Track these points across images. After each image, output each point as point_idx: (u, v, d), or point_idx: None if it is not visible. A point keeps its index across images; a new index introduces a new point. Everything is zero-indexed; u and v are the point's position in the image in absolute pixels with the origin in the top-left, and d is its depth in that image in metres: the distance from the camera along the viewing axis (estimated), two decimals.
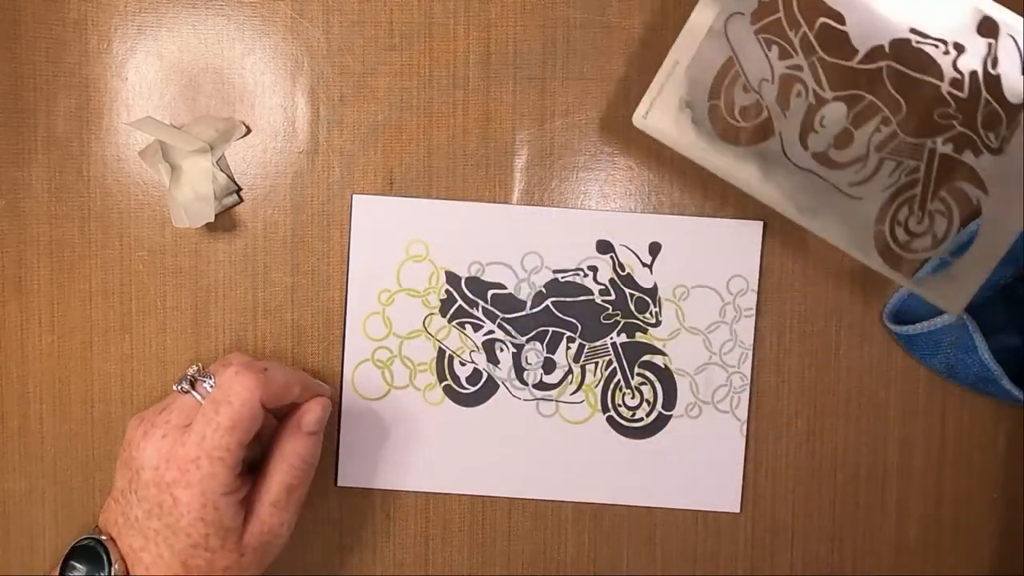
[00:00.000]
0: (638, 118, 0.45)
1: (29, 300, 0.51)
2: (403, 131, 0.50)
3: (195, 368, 0.45)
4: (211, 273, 0.51)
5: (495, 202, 0.50)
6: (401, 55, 0.50)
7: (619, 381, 0.51)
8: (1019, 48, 0.38)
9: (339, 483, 0.51)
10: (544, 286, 0.50)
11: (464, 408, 0.51)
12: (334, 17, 0.50)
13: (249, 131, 0.50)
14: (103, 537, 0.43)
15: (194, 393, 0.44)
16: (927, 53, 0.39)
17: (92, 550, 0.43)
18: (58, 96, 0.50)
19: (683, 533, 0.51)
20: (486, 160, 0.50)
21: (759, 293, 0.50)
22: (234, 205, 0.50)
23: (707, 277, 0.50)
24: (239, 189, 0.50)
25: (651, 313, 0.50)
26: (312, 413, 0.45)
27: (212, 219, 0.48)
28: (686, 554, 0.51)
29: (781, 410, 0.51)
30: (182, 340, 0.51)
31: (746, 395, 0.50)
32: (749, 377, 0.50)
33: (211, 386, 0.44)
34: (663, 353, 0.50)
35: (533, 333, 0.50)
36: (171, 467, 0.41)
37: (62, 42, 0.50)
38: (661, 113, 0.44)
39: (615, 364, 0.50)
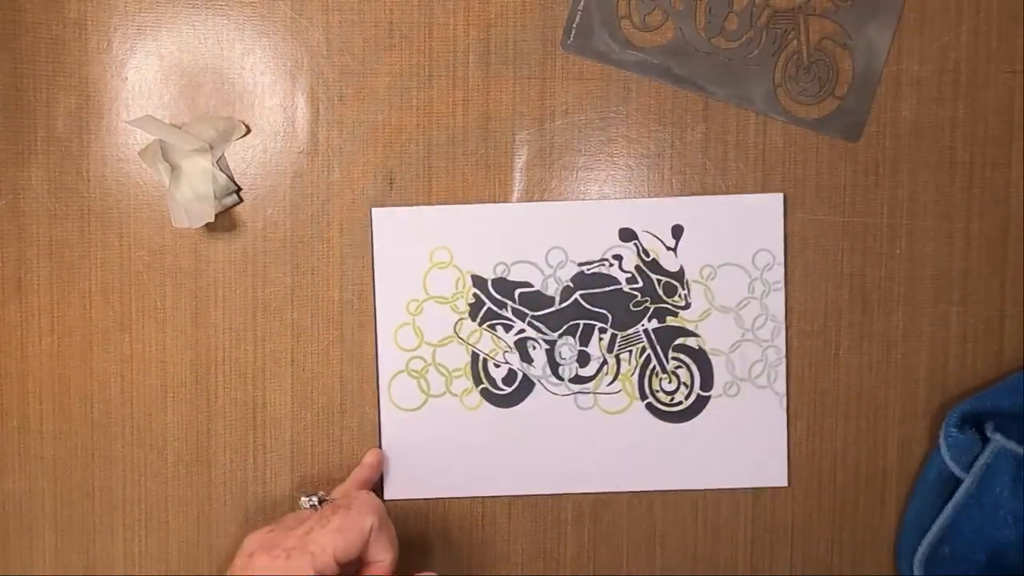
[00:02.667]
0: (563, 44, 0.47)
1: (29, 300, 0.51)
2: (403, 131, 0.50)
3: (315, 496, 0.47)
4: (211, 273, 0.51)
5: (496, 202, 0.50)
6: (401, 55, 0.50)
7: (654, 367, 0.50)
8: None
9: (386, 496, 0.51)
10: (571, 280, 0.50)
11: (502, 409, 0.51)
12: (334, 17, 0.50)
13: (249, 131, 0.50)
14: None
15: (314, 508, 0.46)
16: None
17: None
18: (58, 96, 0.50)
19: (684, 532, 0.51)
20: (486, 160, 0.50)
21: (786, 265, 0.50)
22: (234, 205, 0.50)
23: (732, 255, 0.50)
24: (239, 189, 0.50)
25: (680, 296, 0.50)
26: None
27: (212, 219, 0.48)
28: (686, 554, 0.51)
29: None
30: (182, 340, 0.51)
31: (782, 368, 0.50)
32: (784, 350, 0.50)
33: (322, 499, 0.46)
34: (696, 335, 0.50)
35: (564, 328, 0.50)
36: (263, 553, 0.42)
37: (62, 42, 0.50)
38: (582, 38, 0.48)
39: (649, 350, 0.50)
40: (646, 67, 0.49)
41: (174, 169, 0.49)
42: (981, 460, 0.48)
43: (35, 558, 0.52)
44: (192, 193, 0.48)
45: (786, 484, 0.51)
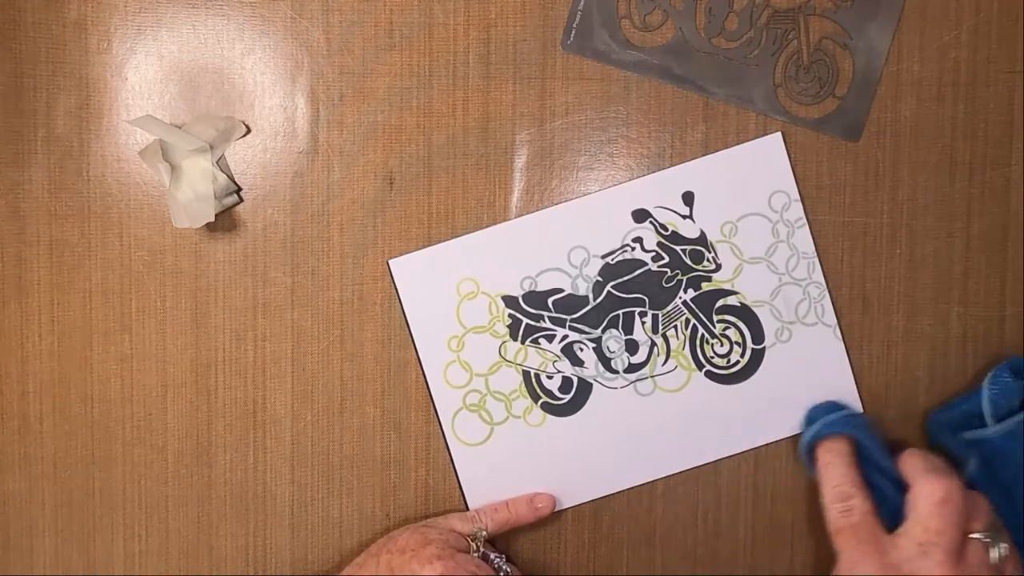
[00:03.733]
0: (563, 44, 0.47)
1: (29, 300, 0.51)
2: (403, 131, 0.50)
3: (484, 533, 0.48)
4: (211, 273, 0.51)
5: (496, 204, 0.50)
6: (401, 55, 0.50)
7: (703, 335, 0.50)
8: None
9: None
10: (599, 274, 0.50)
11: (566, 418, 0.50)
12: (334, 17, 0.50)
13: (249, 131, 0.50)
14: None
15: (501, 574, 0.47)
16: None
17: None
18: (58, 96, 0.50)
19: (684, 533, 0.51)
20: (486, 160, 0.50)
21: (803, 200, 0.50)
22: (234, 205, 0.50)
23: (748, 205, 0.50)
24: (239, 189, 0.50)
25: (709, 260, 0.50)
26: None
27: (212, 219, 0.48)
28: (686, 554, 0.51)
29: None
30: (182, 340, 0.51)
31: (827, 301, 0.50)
32: (824, 283, 0.50)
33: (501, 566, 0.47)
34: (734, 292, 0.50)
35: (605, 322, 0.50)
36: None
37: (62, 42, 0.50)
38: (582, 38, 0.48)
39: (693, 321, 0.50)
40: (646, 67, 0.49)
41: (174, 169, 0.49)
42: (1019, 416, 0.47)
43: (35, 558, 0.52)
44: (192, 193, 0.48)
45: (862, 410, 0.50)
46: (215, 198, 0.48)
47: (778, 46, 0.49)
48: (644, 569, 0.51)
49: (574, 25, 0.49)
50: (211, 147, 0.49)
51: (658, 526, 0.51)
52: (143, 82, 0.50)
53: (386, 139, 0.50)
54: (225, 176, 0.50)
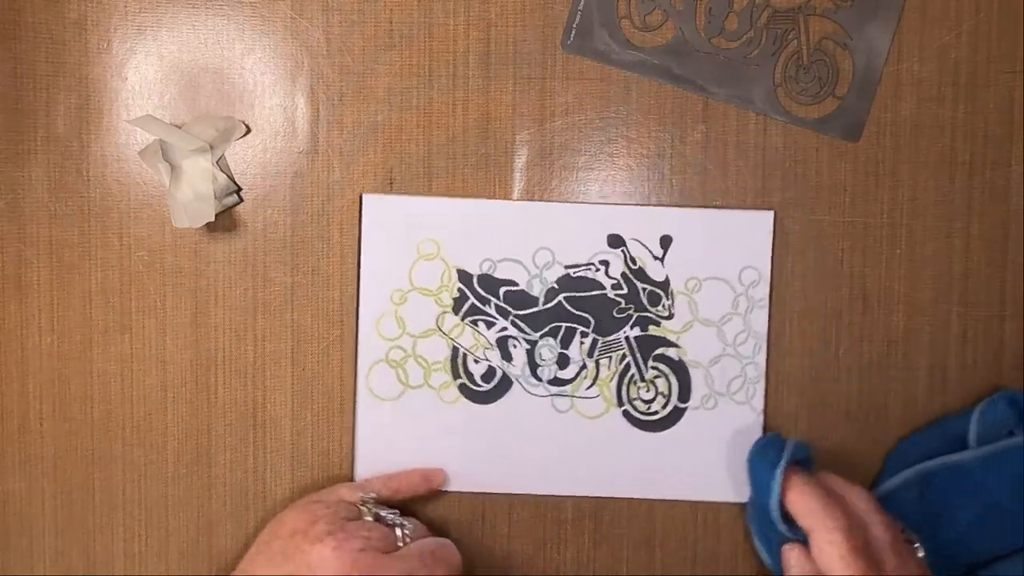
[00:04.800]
0: (563, 44, 0.47)
1: (29, 300, 0.51)
2: (403, 131, 0.50)
3: (372, 496, 0.47)
4: (211, 273, 0.51)
5: (497, 200, 0.50)
6: (401, 55, 0.50)
7: (633, 375, 0.50)
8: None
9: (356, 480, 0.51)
10: (556, 281, 0.50)
11: (479, 406, 0.51)
12: (333, 17, 0.50)
13: (249, 131, 0.50)
14: None
15: (398, 531, 0.45)
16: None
17: None
18: (58, 96, 0.50)
19: (684, 533, 0.51)
20: (486, 160, 0.50)
21: (772, 283, 0.50)
22: (234, 205, 0.50)
23: (719, 269, 0.50)
24: (239, 189, 0.50)
25: (664, 306, 0.50)
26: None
27: (212, 219, 0.48)
28: (686, 554, 0.51)
29: (781, 410, 0.51)
30: (182, 340, 0.51)
31: (761, 386, 0.50)
32: (764, 368, 0.50)
33: (396, 521, 0.46)
34: (677, 346, 0.50)
35: (546, 329, 0.50)
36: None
37: (62, 42, 0.50)
38: (582, 38, 0.48)
39: (629, 358, 0.50)
40: (646, 67, 0.49)
41: (174, 169, 0.49)
42: (1004, 442, 0.47)
43: (35, 558, 0.52)
44: (192, 193, 0.48)
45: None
46: (215, 198, 0.48)
47: (778, 46, 0.49)
48: (644, 569, 0.51)
49: (574, 25, 0.49)
50: (211, 147, 0.49)
51: (658, 526, 0.51)
52: (143, 82, 0.50)
53: (386, 139, 0.50)
54: (225, 176, 0.50)
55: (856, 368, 0.51)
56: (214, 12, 0.50)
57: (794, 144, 0.50)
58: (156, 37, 0.50)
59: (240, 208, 0.51)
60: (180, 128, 0.49)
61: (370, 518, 0.46)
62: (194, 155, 0.49)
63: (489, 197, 0.50)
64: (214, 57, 0.50)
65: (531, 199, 0.50)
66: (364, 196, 0.50)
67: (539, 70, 0.50)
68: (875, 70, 0.49)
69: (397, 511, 0.47)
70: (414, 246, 0.50)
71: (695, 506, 0.51)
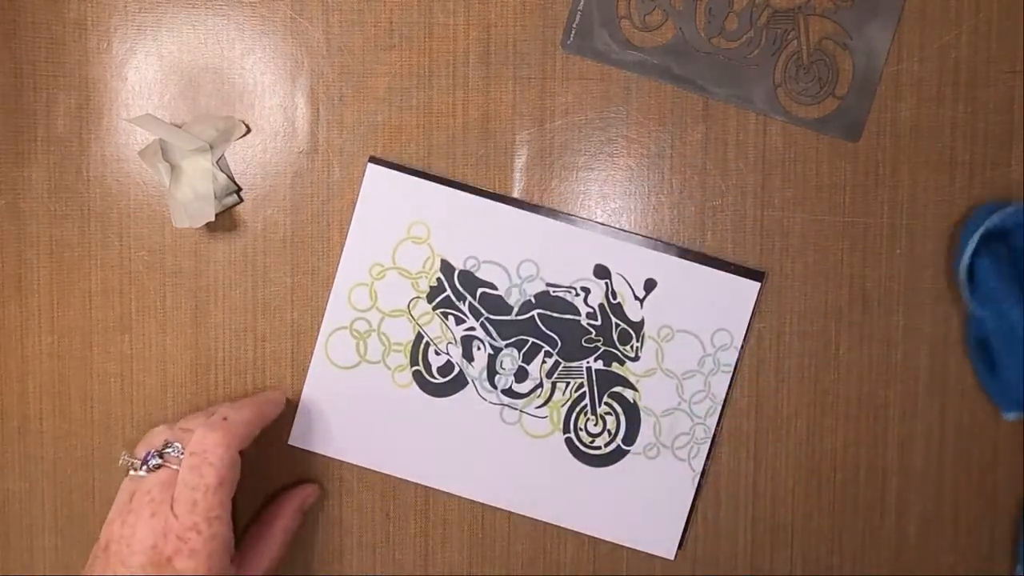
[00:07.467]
0: (563, 44, 0.47)
1: (29, 300, 0.51)
2: (403, 131, 0.50)
3: (148, 452, 0.45)
4: (211, 273, 0.51)
5: (498, 200, 0.50)
6: (401, 55, 0.50)
7: (585, 406, 0.50)
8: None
9: (289, 442, 0.51)
10: (534, 296, 0.50)
11: (429, 397, 0.51)
12: (333, 17, 0.50)
13: (249, 131, 0.50)
14: None
15: (169, 465, 0.44)
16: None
17: None
18: (58, 96, 0.50)
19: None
20: (486, 160, 0.50)
21: (741, 351, 0.50)
22: (234, 205, 0.50)
23: (694, 324, 0.50)
24: (239, 189, 0.50)
25: (632, 347, 0.50)
26: (312, 496, 0.50)
27: (212, 219, 0.48)
28: (686, 554, 0.51)
29: (781, 410, 0.51)
30: (182, 340, 0.51)
31: (706, 448, 0.50)
32: (713, 431, 0.50)
33: (178, 452, 0.44)
34: (635, 389, 0.50)
35: (513, 339, 0.50)
36: (168, 542, 0.41)
37: (62, 42, 0.50)
38: (582, 38, 0.48)
39: (585, 388, 0.50)
40: (646, 67, 0.49)
41: (174, 169, 0.49)
42: None
43: (35, 558, 0.52)
44: (192, 193, 0.48)
45: (672, 558, 0.51)
46: (215, 198, 0.48)
47: (778, 46, 0.49)
48: (643, 569, 0.51)
49: (574, 25, 0.49)
50: (211, 147, 0.49)
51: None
52: (143, 82, 0.50)
53: (386, 139, 0.50)
54: (225, 176, 0.50)
55: (856, 368, 0.51)
56: (214, 12, 0.50)
57: (794, 144, 0.50)
58: (156, 37, 0.50)
59: (240, 208, 0.51)
60: (180, 128, 0.49)
61: (142, 472, 0.44)
62: (194, 155, 0.49)
63: (489, 197, 0.50)
64: (214, 57, 0.50)
65: (531, 199, 0.50)
66: (369, 164, 0.50)
67: (539, 70, 0.50)
68: (875, 70, 0.49)
69: (178, 444, 0.44)
70: (405, 226, 0.50)
71: (695, 506, 0.51)
